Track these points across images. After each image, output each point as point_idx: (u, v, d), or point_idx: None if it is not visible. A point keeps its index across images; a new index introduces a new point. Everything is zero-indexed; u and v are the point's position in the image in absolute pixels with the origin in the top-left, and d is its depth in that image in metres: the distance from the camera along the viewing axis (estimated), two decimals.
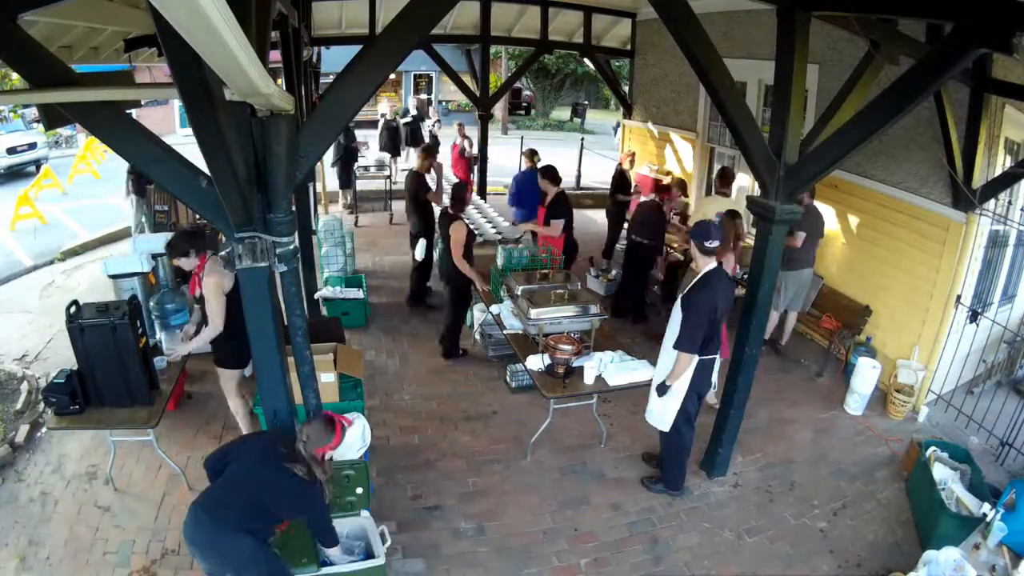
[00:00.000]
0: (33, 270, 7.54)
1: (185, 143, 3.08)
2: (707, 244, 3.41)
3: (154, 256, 4.85)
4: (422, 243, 6.11)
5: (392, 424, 4.57)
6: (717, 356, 3.72)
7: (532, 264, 5.28)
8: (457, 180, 8.70)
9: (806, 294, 5.84)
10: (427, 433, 4.49)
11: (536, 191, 6.32)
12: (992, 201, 4.53)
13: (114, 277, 4.31)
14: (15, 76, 9.21)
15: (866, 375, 4.87)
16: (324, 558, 2.79)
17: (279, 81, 4.63)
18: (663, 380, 3.61)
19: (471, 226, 5.69)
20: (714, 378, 3.91)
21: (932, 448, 4.01)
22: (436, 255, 6.11)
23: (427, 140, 10.88)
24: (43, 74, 2.19)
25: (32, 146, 12.62)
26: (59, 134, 14.90)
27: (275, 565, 2.58)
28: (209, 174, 2.29)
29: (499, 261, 5.38)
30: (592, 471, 4.19)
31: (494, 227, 6.95)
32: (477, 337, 5.72)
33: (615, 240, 7.84)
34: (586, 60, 11.44)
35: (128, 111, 2.64)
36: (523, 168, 7.82)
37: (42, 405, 4.42)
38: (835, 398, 5.17)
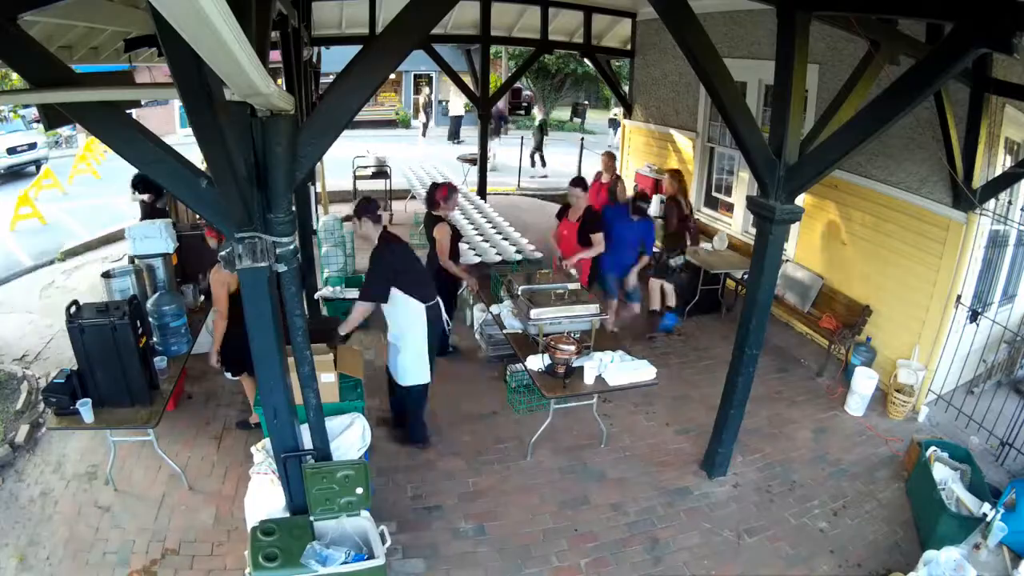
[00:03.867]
0: (33, 270, 7.55)
1: (185, 143, 3.08)
2: (378, 213, 3.98)
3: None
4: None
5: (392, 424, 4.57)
6: (438, 303, 4.11)
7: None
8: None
9: None
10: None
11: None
12: (992, 201, 4.53)
13: (140, 258, 4.45)
14: (15, 76, 9.21)
15: (864, 383, 4.90)
16: (323, 558, 2.79)
17: (279, 81, 4.64)
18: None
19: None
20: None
21: (932, 448, 4.01)
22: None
23: None
24: (43, 74, 2.19)
25: (32, 146, 12.61)
26: (59, 134, 14.88)
27: None
28: (209, 174, 2.29)
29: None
30: (592, 471, 4.19)
31: (515, 247, 6.24)
32: (477, 337, 5.71)
33: None
34: (586, 60, 11.43)
35: (128, 111, 2.63)
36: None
37: (42, 405, 4.43)
38: (835, 398, 5.17)
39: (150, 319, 4.03)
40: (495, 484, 4.02)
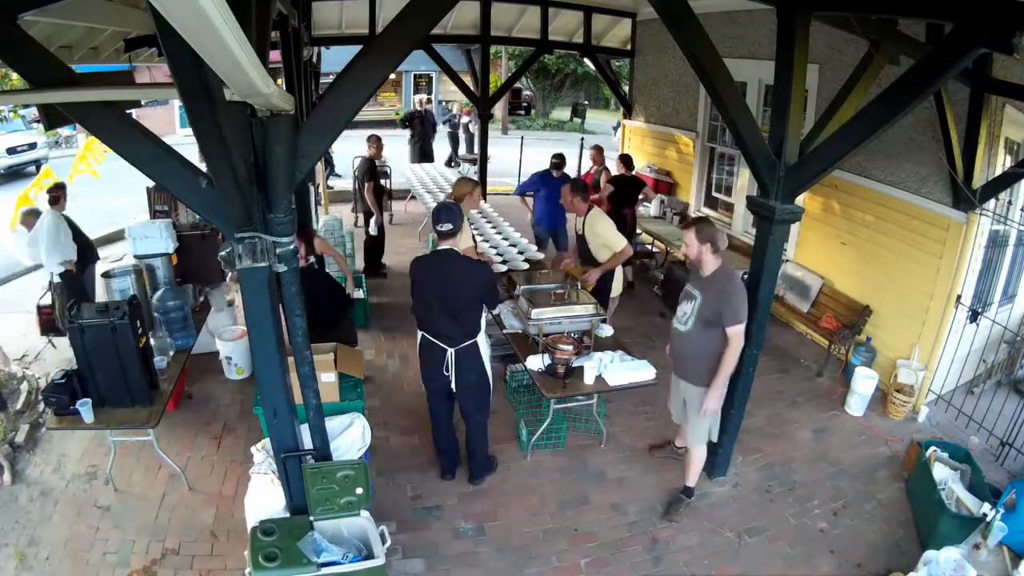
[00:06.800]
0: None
1: (185, 143, 3.08)
2: (439, 228, 3.48)
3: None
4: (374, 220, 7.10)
5: (392, 424, 4.57)
6: (447, 348, 3.62)
7: None
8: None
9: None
10: (427, 433, 4.47)
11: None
12: (992, 201, 4.52)
13: (140, 258, 4.43)
14: (15, 76, 9.21)
15: (864, 383, 4.90)
16: (322, 559, 2.79)
17: (279, 81, 4.64)
18: None
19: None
20: (450, 372, 3.63)
21: (932, 448, 4.01)
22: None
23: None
24: (43, 74, 2.19)
25: (32, 146, 12.63)
26: (59, 134, 14.91)
27: None
28: (209, 174, 2.29)
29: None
30: (592, 471, 4.19)
31: (521, 252, 5.95)
32: None
33: None
34: (586, 60, 11.42)
35: (128, 111, 2.63)
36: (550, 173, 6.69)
37: (42, 405, 4.43)
38: (835, 398, 5.17)
39: (156, 314, 4.03)
40: (495, 484, 4.02)
